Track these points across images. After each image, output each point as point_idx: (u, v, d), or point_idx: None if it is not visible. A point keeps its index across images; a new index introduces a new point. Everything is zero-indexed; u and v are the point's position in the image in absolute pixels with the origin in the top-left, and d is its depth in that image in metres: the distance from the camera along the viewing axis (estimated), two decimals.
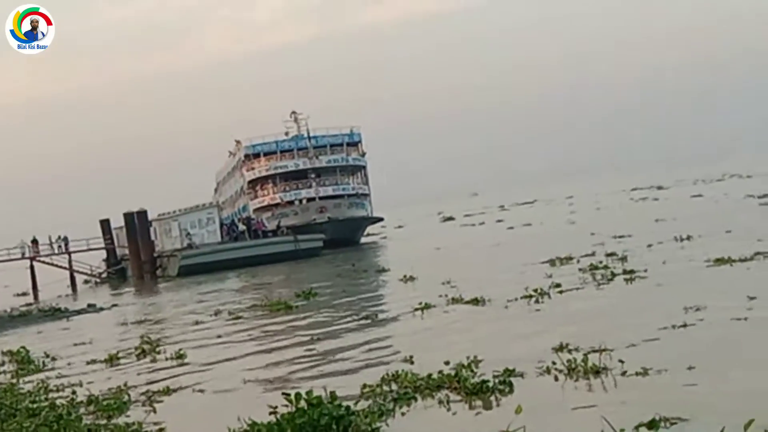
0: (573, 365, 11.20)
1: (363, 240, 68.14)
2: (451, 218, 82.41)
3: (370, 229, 72.59)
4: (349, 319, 20.48)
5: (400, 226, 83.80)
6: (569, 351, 12.19)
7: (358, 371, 13.61)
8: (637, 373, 10.58)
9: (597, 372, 10.92)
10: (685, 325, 13.51)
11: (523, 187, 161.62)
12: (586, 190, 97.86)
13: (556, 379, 11.07)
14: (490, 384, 10.72)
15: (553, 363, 11.47)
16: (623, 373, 10.71)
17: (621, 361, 11.06)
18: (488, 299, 19.74)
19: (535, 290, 19.53)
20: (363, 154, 73.44)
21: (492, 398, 10.47)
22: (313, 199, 68.10)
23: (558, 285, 20.33)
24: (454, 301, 20.21)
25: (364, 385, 11.68)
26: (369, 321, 19.50)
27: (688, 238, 27.47)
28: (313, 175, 69.05)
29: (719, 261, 20.80)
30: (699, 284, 18.28)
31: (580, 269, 23.12)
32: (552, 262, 26.09)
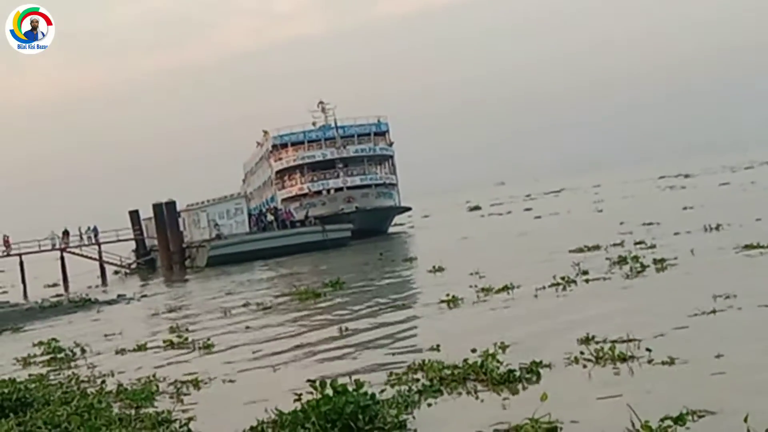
0: (600, 354, 11.19)
1: (390, 230, 68.15)
2: (477, 207, 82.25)
3: (397, 218, 72.59)
4: (377, 308, 20.52)
5: (426, 216, 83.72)
6: (596, 342, 12.15)
7: (385, 359, 13.65)
8: (663, 362, 10.54)
9: (624, 360, 10.90)
10: (714, 313, 13.44)
11: (548, 176, 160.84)
12: (613, 179, 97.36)
13: (585, 366, 11.04)
14: (517, 374, 10.72)
15: (581, 353, 11.46)
16: (650, 362, 10.68)
17: (648, 350, 11.02)
18: (517, 287, 19.74)
19: (563, 278, 19.52)
20: (390, 144, 73.35)
21: (519, 388, 10.48)
22: (341, 188, 68.16)
23: (586, 273, 20.28)
24: (483, 290, 20.20)
25: (391, 374, 11.75)
26: (397, 310, 19.54)
27: (717, 227, 27.27)
28: (340, 165, 69.08)
29: (749, 247, 20.69)
30: (728, 272, 18.15)
31: (608, 258, 22.99)
32: (580, 251, 26.01)
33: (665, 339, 12.03)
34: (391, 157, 73.61)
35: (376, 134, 72.20)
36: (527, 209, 65.66)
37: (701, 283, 16.90)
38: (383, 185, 70.55)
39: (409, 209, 73.72)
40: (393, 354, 14.08)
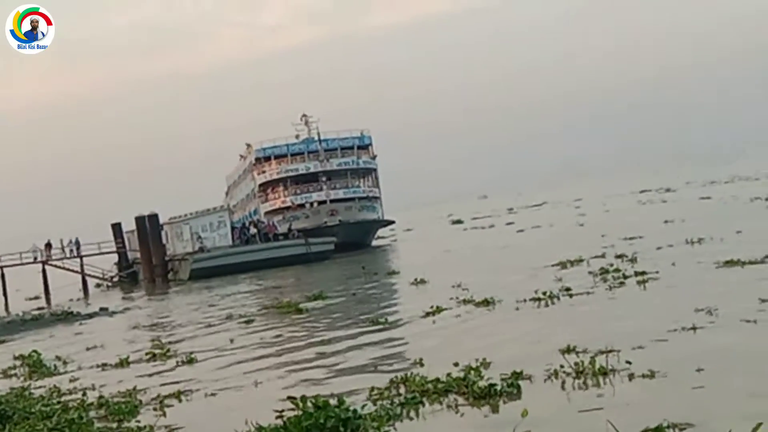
0: (580, 368, 11.23)
1: (374, 243, 68.18)
2: (459, 221, 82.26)
3: (380, 231, 72.65)
4: (359, 321, 20.52)
5: (409, 229, 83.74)
6: (577, 353, 12.22)
7: (367, 374, 13.64)
8: (644, 376, 10.60)
9: (604, 374, 10.95)
10: (694, 328, 13.50)
11: (531, 188, 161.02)
12: (594, 192, 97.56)
13: (564, 381, 11.09)
14: (498, 388, 10.74)
15: (561, 366, 11.49)
16: (630, 376, 10.74)
17: (628, 363, 11.09)
18: (498, 301, 19.79)
19: (545, 293, 19.54)
20: (374, 157, 73.42)
21: (500, 402, 10.50)
22: (324, 202, 68.18)
23: (568, 289, 20.30)
24: (465, 302, 20.26)
25: (372, 388, 11.74)
26: (379, 323, 19.51)
27: (699, 240, 27.40)
28: (324, 178, 69.12)
29: (730, 263, 20.77)
30: (709, 286, 18.22)
31: (590, 272, 23.08)
32: (562, 265, 26.07)
33: (646, 352, 12.09)
34: (375, 170, 73.70)
35: (359, 147, 72.24)
36: (509, 223, 65.63)
37: (683, 298, 16.98)
38: (366, 198, 70.63)
39: (392, 222, 73.76)
40: (376, 368, 14.09)
